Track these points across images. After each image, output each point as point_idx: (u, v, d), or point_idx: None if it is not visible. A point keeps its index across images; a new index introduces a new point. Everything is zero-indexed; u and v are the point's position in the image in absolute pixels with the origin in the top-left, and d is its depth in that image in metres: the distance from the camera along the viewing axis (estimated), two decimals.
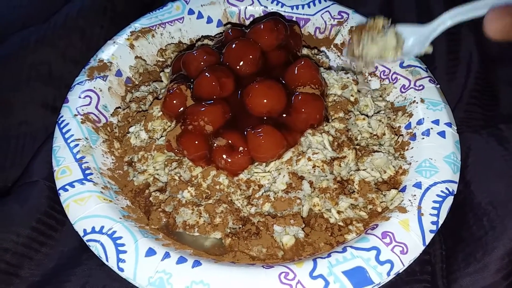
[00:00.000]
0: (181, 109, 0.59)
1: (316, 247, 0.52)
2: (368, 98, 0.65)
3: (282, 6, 0.75)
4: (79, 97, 0.63)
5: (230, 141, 0.55)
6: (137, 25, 0.73)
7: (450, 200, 0.52)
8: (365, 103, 0.64)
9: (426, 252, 0.54)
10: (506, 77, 0.74)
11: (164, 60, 0.74)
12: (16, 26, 0.81)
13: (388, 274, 0.46)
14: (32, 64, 0.73)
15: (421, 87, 0.64)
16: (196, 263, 0.47)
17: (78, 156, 0.57)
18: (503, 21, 0.44)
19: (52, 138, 0.59)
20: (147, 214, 0.56)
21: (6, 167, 0.67)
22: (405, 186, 0.55)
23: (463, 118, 0.68)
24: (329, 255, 0.48)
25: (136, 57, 0.71)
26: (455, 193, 0.53)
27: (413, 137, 0.60)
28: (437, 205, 0.51)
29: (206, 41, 0.73)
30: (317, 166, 0.55)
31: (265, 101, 0.56)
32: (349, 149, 0.58)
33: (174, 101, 0.59)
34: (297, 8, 0.75)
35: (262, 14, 0.76)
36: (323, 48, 0.76)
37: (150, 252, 0.48)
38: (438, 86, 0.64)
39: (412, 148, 0.59)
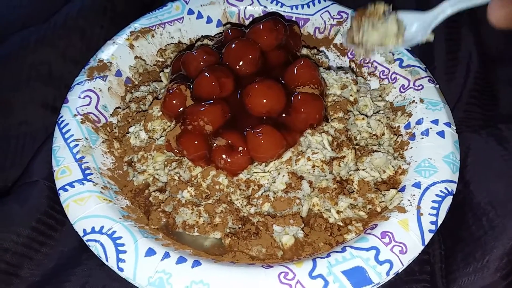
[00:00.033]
0: (181, 109, 0.59)
1: (315, 247, 0.52)
2: (367, 98, 0.65)
3: (281, 6, 0.75)
4: (79, 97, 0.63)
5: (229, 141, 0.55)
6: (136, 25, 0.73)
7: (449, 200, 0.52)
8: (365, 103, 0.64)
9: (425, 252, 0.54)
10: (505, 77, 0.74)
11: (163, 60, 0.74)
12: (16, 26, 0.81)
13: (387, 274, 0.46)
14: (32, 64, 0.73)
15: (420, 87, 0.64)
16: (196, 263, 0.47)
17: (78, 156, 0.57)
18: (507, 8, 0.44)
19: (52, 138, 0.59)
20: (147, 214, 0.56)
21: (6, 167, 0.67)
22: (404, 186, 0.55)
23: (463, 118, 0.68)
24: (328, 255, 0.48)
25: (136, 57, 0.72)
26: (454, 193, 0.53)
27: (412, 137, 0.60)
28: (436, 205, 0.51)
29: (205, 41, 0.73)
30: (317, 166, 0.55)
31: (264, 101, 0.56)
32: (348, 149, 0.58)
33: (174, 101, 0.59)
34: (297, 8, 0.75)
35: (261, 14, 0.76)
36: (322, 48, 0.76)
37: (150, 252, 0.48)
38: (438, 86, 0.64)
39: (411, 148, 0.60)
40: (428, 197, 0.52)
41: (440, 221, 0.51)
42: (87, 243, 0.50)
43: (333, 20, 0.74)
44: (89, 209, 0.52)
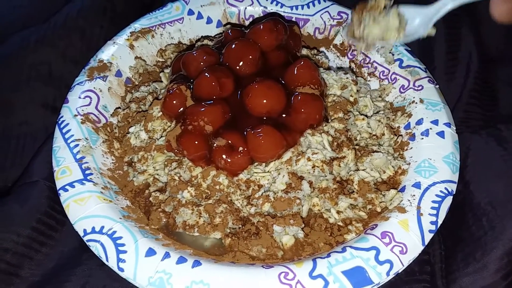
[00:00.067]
0: (181, 109, 0.59)
1: (315, 247, 0.52)
2: (367, 99, 0.65)
3: (281, 7, 0.75)
4: (79, 98, 0.63)
5: (229, 141, 0.55)
6: (137, 25, 0.73)
7: (449, 200, 0.52)
8: (365, 104, 0.64)
9: (425, 252, 0.54)
10: (505, 77, 0.74)
11: (163, 60, 0.74)
12: (16, 26, 0.81)
13: (388, 274, 0.46)
14: (32, 64, 0.73)
15: (420, 87, 0.64)
16: (196, 263, 0.47)
17: (78, 156, 0.57)
18: (509, 3, 0.44)
19: (52, 138, 0.59)
20: (147, 214, 0.56)
21: (6, 167, 0.67)
22: (404, 186, 0.55)
23: (462, 118, 0.68)
24: (328, 255, 0.48)
25: (136, 57, 0.72)
26: (454, 193, 0.53)
27: (412, 137, 0.60)
28: (436, 205, 0.51)
29: (205, 42, 0.73)
30: (317, 166, 0.55)
31: (264, 101, 0.56)
32: (348, 149, 0.58)
33: (174, 101, 0.59)
34: (297, 9, 0.75)
35: (261, 15, 0.76)
36: (322, 49, 0.76)
37: (150, 252, 0.48)
38: (437, 86, 0.64)
39: (411, 148, 0.60)
40: (428, 197, 0.52)
41: (440, 221, 0.51)
42: (87, 243, 0.50)
43: (333, 21, 0.74)
44: (89, 209, 0.52)
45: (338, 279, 0.45)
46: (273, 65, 0.62)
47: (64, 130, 0.59)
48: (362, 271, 0.46)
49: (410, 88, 0.65)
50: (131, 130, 0.63)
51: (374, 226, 0.51)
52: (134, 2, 0.86)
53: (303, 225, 0.53)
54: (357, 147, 0.60)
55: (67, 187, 0.54)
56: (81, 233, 0.50)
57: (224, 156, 0.55)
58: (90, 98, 0.64)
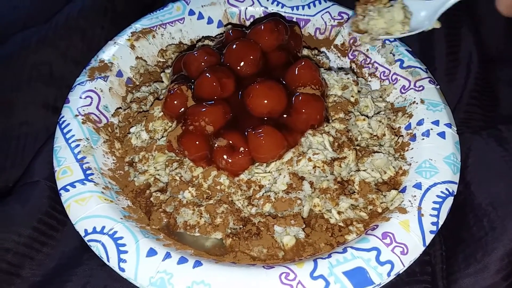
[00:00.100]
0: (182, 109, 0.59)
1: (316, 248, 0.52)
2: (368, 99, 0.65)
3: (282, 7, 0.75)
4: (80, 98, 0.63)
5: (230, 142, 0.55)
6: (137, 25, 0.73)
7: (450, 200, 0.52)
8: (365, 104, 0.64)
9: (426, 252, 0.54)
10: (506, 78, 0.74)
11: (164, 60, 0.74)
12: (17, 27, 0.81)
13: (389, 274, 0.47)
14: (33, 64, 0.73)
15: (421, 88, 0.64)
16: (197, 264, 0.47)
17: (79, 157, 0.57)
18: None
19: (53, 138, 0.59)
20: (148, 215, 0.56)
21: (7, 167, 0.67)
22: (405, 186, 0.55)
23: (463, 118, 0.68)
24: (329, 256, 0.48)
25: (137, 57, 0.72)
26: (455, 193, 0.53)
27: (413, 137, 0.60)
28: (437, 205, 0.51)
29: (206, 42, 0.73)
30: (318, 167, 0.55)
31: (265, 101, 0.56)
32: (349, 150, 0.58)
33: (175, 102, 0.59)
34: (297, 9, 0.75)
35: (262, 15, 0.76)
36: (323, 49, 0.76)
37: (151, 252, 0.48)
38: (438, 86, 0.64)
39: (412, 148, 0.60)
40: (429, 198, 0.52)
41: (441, 222, 0.51)
42: (88, 243, 0.50)
43: (334, 21, 0.74)
44: (90, 209, 0.52)
45: (339, 280, 0.45)
46: (274, 66, 0.62)
47: (65, 130, 0.59)
48: (363, 271, 0.46)
49: (411, 88, 0.65)
50: (132, 130, 0.63)
51: (375, 227, 0.51)
52: (135, 2, 0.86)
53: (304, 226, 0.53)
54: (358, 147, 0.60)
55: (68, 187, 0.54)
56: (82, 233, 0.50)
57: (225, 157, 0.55)
58: (91, 98, 0.64)
